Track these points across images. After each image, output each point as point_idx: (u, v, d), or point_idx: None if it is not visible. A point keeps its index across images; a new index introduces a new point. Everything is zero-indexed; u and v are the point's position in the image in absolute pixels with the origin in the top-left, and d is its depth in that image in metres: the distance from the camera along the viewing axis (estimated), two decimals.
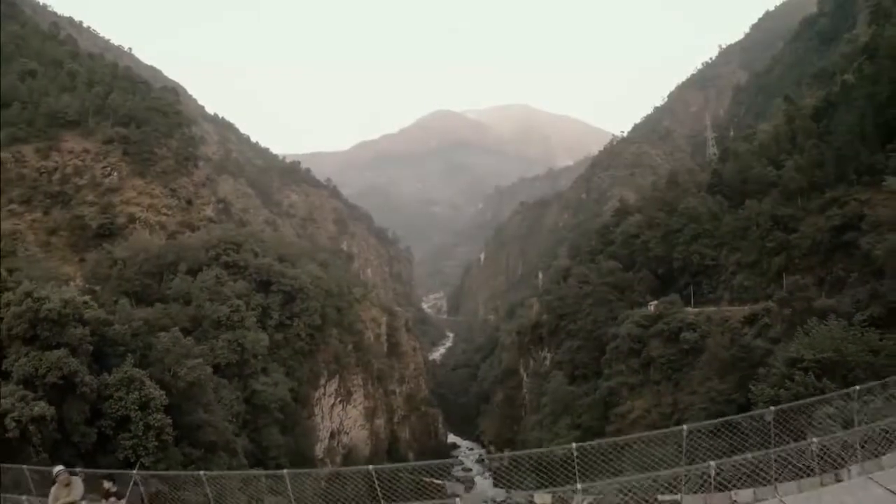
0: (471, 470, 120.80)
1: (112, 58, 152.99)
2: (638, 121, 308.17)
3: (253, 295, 72.65)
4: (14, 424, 26.08)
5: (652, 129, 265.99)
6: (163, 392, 33.13)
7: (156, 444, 31.59)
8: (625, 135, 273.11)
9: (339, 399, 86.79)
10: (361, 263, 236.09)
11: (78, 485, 14.46)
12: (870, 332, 30.01)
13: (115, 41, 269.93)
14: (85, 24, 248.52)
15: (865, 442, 14.59)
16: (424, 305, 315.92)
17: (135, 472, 16.28)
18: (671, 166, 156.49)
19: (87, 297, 34.45)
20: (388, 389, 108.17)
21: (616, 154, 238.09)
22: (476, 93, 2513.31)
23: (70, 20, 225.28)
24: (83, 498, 14.56)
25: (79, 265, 76.03)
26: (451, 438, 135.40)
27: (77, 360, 28.70)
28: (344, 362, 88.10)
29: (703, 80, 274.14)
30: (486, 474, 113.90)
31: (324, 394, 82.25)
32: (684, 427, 13.55)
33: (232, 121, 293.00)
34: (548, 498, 15.30)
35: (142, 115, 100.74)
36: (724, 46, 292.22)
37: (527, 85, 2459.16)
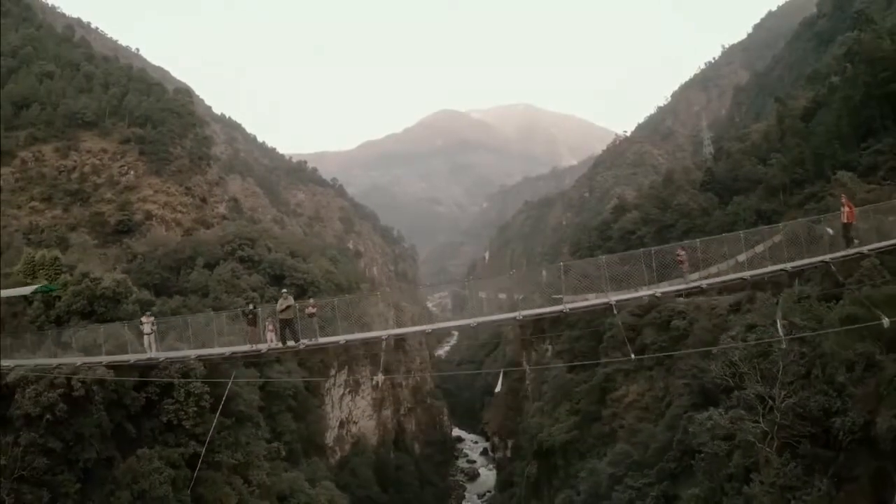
0: (475, 462, 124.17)
1: (122, 59, 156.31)
2: (641, 120, 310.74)
3: (267, 288, 76.05)
4: (80, 385, 30.36)
5: (654, 128, 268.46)
6: (201, 363, 36.99)
7: (195, 409, 35.52)
8: (628, 134, 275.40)
9: (347, 390, 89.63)
10: (367, 261, 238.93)
11: (290, 298, 24.59)
12: (815, 304, 36.09)
13: (122, 42, 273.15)
14: (93, 25, 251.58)
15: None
16: (429, 304, 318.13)
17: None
18: (672, 165, 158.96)
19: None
20: (395, 382, 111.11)
21: (619, 154, 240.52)
22: (480, 92, 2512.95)
23: (79, 21, 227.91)
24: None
25: (100, 260, 79.42)
26: (456, 432, 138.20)
27: (130, 333, 32.30)
28: (353, 354, 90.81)
29: (705, 80, 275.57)
30: (490, 466, 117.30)
31: (334, 384, 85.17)
32: (561, 265, 24.46)
33: (238, 121, 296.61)
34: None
35: (157, 116, 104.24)
36: (726, 46, 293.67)
37: (531, 84, 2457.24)
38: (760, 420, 31.65)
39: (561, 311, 23.08)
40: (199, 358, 28.89)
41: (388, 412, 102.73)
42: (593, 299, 23.72)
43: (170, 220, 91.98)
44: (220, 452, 36.44)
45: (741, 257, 24.88)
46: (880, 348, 29.27)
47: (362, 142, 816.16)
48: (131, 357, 27.07)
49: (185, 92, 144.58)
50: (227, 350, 26.93)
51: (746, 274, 23.52)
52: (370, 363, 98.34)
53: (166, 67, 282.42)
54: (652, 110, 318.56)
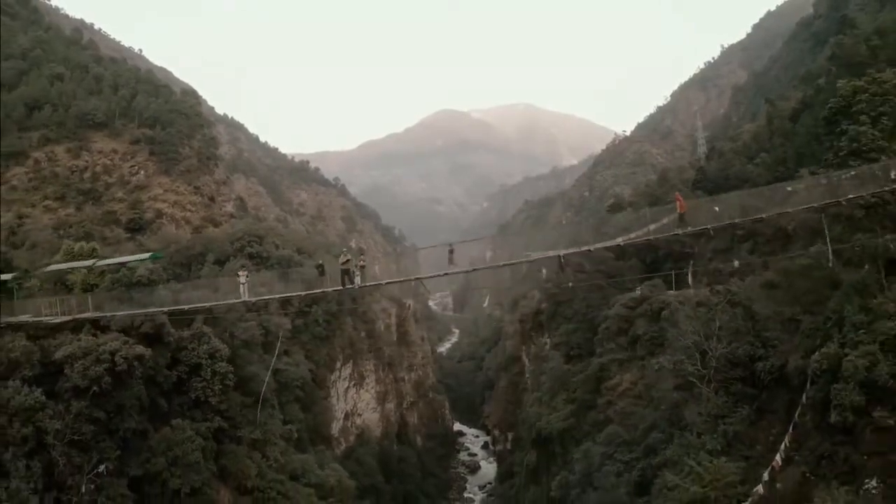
0: (476, 455, 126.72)
1: (127, 60, 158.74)
2: (641, 120, 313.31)
3: (275, 284, 78.38)
4: (122, 360, 33.93)
5: (654, 128, 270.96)
6: (225, 345, 40.38)
7: (220, 387, 39.06)
8: (627, 134, 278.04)
9: (352, 382, 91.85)
10: (369, 260, 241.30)
11: (348, 254, 32.62)
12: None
13: (125, 43, 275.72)
14: (96, 27, 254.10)
15: None
16: (431, 303, 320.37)
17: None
18: (670, 164, 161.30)
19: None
20: (398, 376, 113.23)
21: (618, 153, 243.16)
22: (480, 92, 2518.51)
23: (82, 22, 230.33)
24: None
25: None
26: (458, 426, 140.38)
27: (164, 316, 35.68)
28: (357, 348, 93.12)
29: (704, 80, 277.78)
30: (491, 459, 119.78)
31: (339, 377, 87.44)
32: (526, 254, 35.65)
33: (241, 121, 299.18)
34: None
35: (165, 117, 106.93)
36: (725, 46, 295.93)
37: (531, 84, 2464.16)
38: (698, 364, 40.06)
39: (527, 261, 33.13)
40: (281, 298, 38.35)
41: (391, 405, 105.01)
42: (551, 253, 34.74)
43: (179, 218, 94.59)
44: (241, 428, 39.69)
45: (652, 227, 37.45)
46: (804, 309, 36.57)
47: (363, 142, 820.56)
48: (233, 301, 35.46)
49: (191, 93, 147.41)
50: (303, 293, 38.17)
51: (652, 236, 36.34)
52: (374, 357, 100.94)
53: (168, 68, 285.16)
54: (652, 110, 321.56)
